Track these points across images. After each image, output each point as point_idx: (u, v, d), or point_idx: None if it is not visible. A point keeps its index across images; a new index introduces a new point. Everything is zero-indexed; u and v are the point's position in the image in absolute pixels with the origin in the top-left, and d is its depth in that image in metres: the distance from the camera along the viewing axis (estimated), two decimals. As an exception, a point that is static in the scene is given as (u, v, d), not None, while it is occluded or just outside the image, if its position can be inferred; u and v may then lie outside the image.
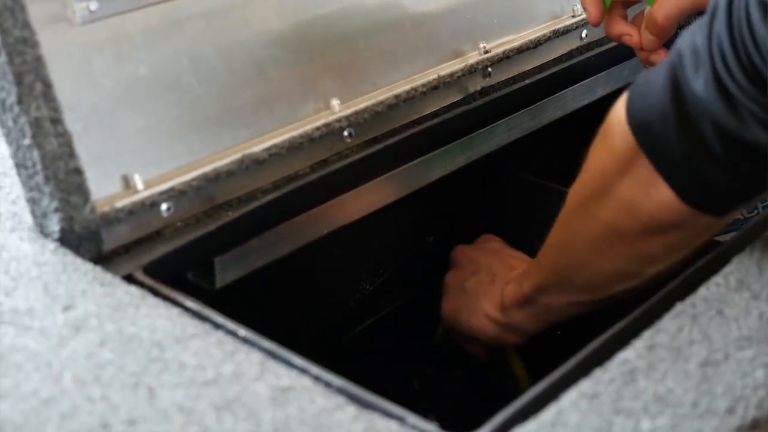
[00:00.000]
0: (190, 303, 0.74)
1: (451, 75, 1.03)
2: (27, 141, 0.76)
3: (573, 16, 1.16)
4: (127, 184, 0.81)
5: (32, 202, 0.78)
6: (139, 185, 0.82)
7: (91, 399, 0.64)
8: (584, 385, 0.66)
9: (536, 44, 1.11)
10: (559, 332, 0.97)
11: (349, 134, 0.95)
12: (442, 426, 0.65)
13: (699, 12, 0.94)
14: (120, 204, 0.80)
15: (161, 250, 0.82)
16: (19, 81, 0.75)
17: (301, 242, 0.91)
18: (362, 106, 0.96)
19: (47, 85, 0.76)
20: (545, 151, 1.19)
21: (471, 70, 1.05)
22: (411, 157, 1.00)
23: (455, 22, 1.06)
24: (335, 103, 0.95)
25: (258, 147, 0.89)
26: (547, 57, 1.14)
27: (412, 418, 0.65)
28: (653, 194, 0.75)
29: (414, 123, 1.01)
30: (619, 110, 0.76)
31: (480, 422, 0.65)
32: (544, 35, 1.12)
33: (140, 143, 0.83)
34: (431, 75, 1.02)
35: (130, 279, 0.77)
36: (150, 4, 0.83)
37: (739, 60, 0.67)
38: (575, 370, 0.68)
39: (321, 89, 0.95)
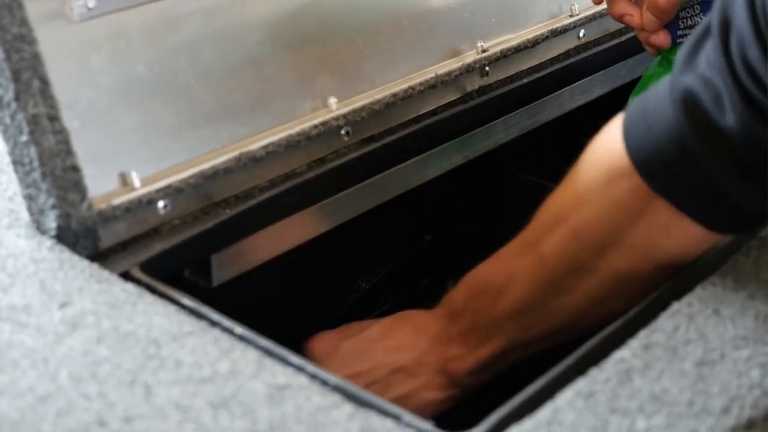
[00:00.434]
0: (186, 300, 0.74)
1: (449, 74, 1.03)
2: (24, 138, 0.76)
3: (571, 16, 1.16)
4: (124, 181, 0.81)
5: (29, 198, 0.78)
6: (136, 183, 0.82)
7: (88, 396, 0.64)
8: (580, 384, 0.66)
9: (534, 43, 1.11)
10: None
11: (347, 132, 0.95)
12: (438, 425, 0.66)
13: None
14: (117, 201, 0.80)
15: (158, 247, 0.82)
16: (16, 78, 0.75)
17: (298, 240, 0.91)
18: (360, 104, 0.96)
19: (45, 82, 0.76)
20: (543, 151, 1.19)
21: (469, 69, 1.05)
22: (408, 155, 1.00)
23: (453, 21, 1.06)
24: (333, 101, 0.95)
25: (255, 145, 0.89)
26: (544, 56, 1.14)
27: (408, 417, 0.65)
28: (675, 234, 0.73)
29: (411, 122, 1.01)
30: (610, 161, 0.73)
31: (476, 421, 0.65)
32: (541, 34, 1.12)
33: (137, 141, 0.83)
34: (429, 74, 1.02)
35: (126, 276, 0.77)
36: (148, 2, 0.83)
37: None
38: (571, 369, 0.68)
39: (318, 87, 0.95)
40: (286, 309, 1.02)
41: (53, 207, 0.77)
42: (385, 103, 0.98)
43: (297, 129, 0.92)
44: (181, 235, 0.83)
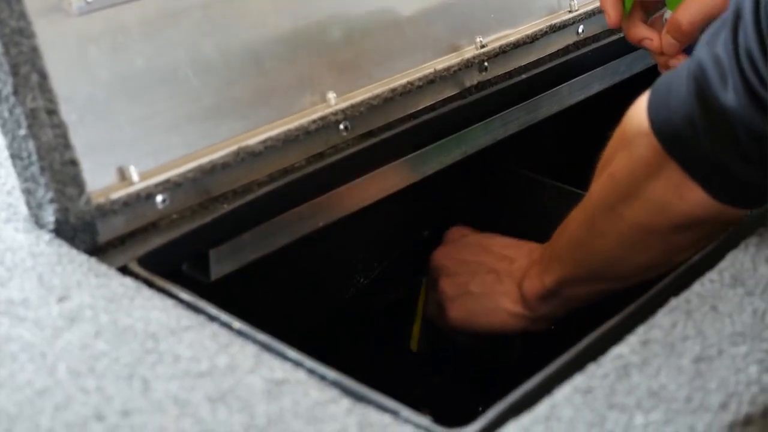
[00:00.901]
0: (184, 295, 0.74)
1: (448, 69, 1.03)
2: (22, 132, 0.76)
3: (570, 11, 1.16)
4: (123, 175, 0.81)
5: (27, 193, 0.78)
6: (135, 177, 0.82)
7: (86, 390, 0.64)
8: (578, 380, 0.66)
9: (533, 39, 1.11)
10: (553, 327, 0.97)
11: (345, 127, 0.95)
12: (436, 420, 0.66)
13: None
14: (115, 195, 0.80)
15: (156, 241, 0.82)
16: (15, 72, 0.75)
17: (296, 235, 0.91)
18: (358, 99, 0.96)
19: (43, 76, 0.76)
20: (541, 146, 1.19)
21: (467, 65, 1.05)
22: (407, 150, 1.00)
23: (452, 17, 1.06)
24: (331, 96, 0.95)
25: (254, 139, 0.89)
26: (543, 52, 1.14)
27: (406, 412, 0.65)
28: (685, 195, 0.77)
29: (410, 117, 1.01)
30: (639, 120, 0.77)
31: (474, 416, 0.65)
32: (540, 30, 1.12)
33: (136, 135, 0.83)
34: (427, 69, 1.02)
35: (125, 270, 0.77)
36: (146, -4, 0.83)
37: None
38: (569, 365, 0.68)
39: (317, 82, 0.95)
40: (284, 304, 1.02)
41: (51, 201, 0.77)
42: (384, 98, 0.98)
43: (295, 124, 0.92)
44: (180, 230, 0.83)
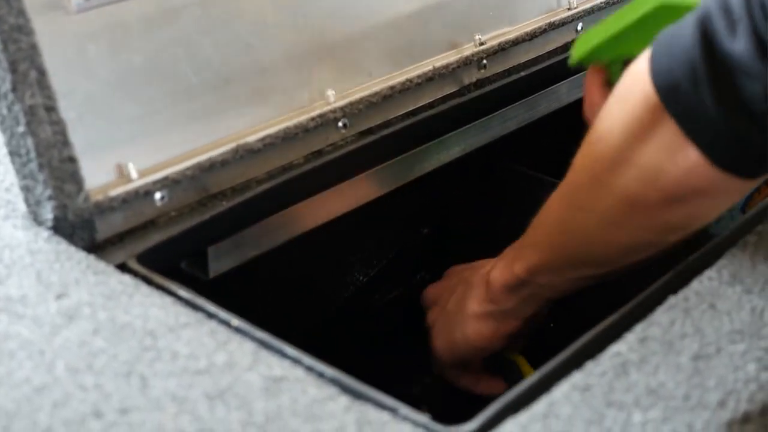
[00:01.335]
0: (183, 292, 0.74)
1: (447, 66, 1.03)
2: (21, 128, 0.76)
3: (569, 9, 1.16)
4: (121, 172, 0.81)
5: (26, 189, 0.78)
6: (133, 174, 0.82)
7: (84, 387, 0.64)
8: (576, 378, 0.66)
9: (532, 36, 1.11)
10: (551, 324, 0.97)
11: (344, 125, 0.95)
12: (434, 417, 0.66)
13: None
14: (114, 193, 0.80)
15: (155, 239, 0.82)
16: (13, 69, 0.75)
17: (294, 232, 0.91)
18: (357, 96, 0.96)
19: (42, 73, 0.76)
20: (540, 144, 1.19)
21: (466, 62, 1.05)
22: (406, 148, 1.00)
23: (451, 14, 1.05)
24: (330, 93, 0.95)
25: (253, 137, 0.89)
26: (542, 49, 1.14)
27: (405, 409, 0.65)
28: (680, 159, 0.71)
29: (409, 114, 1.01)
30: (639, 70, 0.72)
31: (472, 414, 0.65)
32: (539, 27, 1.12)
33: (135, 132, 0.83)
34: (426, 66, 1.02)
35: (123, 268, 0.77)
36: (145, -7, 0.83)
37: None
38: (567, 363, 0.68)
39: (316, 79, 0.94)
40: (282, 301, 1.02)
41: (50, 198, 0.77)
42: (383, 96, 0.98)
43: (294, 121, 0.92)
44: (178, 227, 0.83)
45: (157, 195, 0.83)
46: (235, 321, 0.71)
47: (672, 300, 0.73)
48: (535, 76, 1.11)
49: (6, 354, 0.67)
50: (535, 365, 0.69)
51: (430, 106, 1.03)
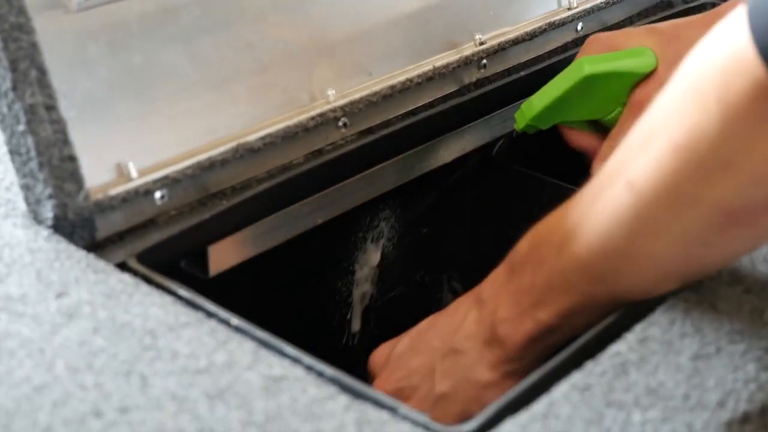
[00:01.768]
0: (183, 291, 0.74)
1: (447, 66, 1.03)
2: (21, 127, 0.76)
3: (569, 9, 1.16)
4: (121, 171, 0.81)
5: (26, 188, 0.78)
6: (133, 173, 0.82)
7: (84, 386, 0.64)
8: (576, 378, 0.66)
9: (532, 36, 1.11)
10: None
11: (344, 124, 0.95)
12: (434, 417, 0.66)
13: None
14: (114, 192, 0.80)
15: (155, 238, 0.82)
16: (14, 67, 0.74)
17: (295, 232, 0.91)
18: (357, 96, 0.96)
19: (42, 72, 0.76)
20: (540, 144, 1.19)
21: (466, 62, 1.05)
22: (406, 147, 1.00)
23: (451, 14, 1.05)
24: (330, 92, 0.95)
25: (253, 136, 0.89)
26: (542, 49, 1.14)
27: (404, 409, 0.65)
28: None
29: (409, 114, 1.01)
30: (735, 52, 0.55)
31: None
32: (539, 27, 1.12)
33: (135, 131, 0.83)
34: (426, 66, 1.02)
35: (123, 267, 0.77)
36: (146, -8, 0.83)
37: None
38: (567, 363, 0.68)
39: (316, 79, 0.94)
40: (282, 300, 1.02)
41: (50, 197, 0.77)
42: (383, 95, 0.98)
43: (294, 120, 0.91)
44: (178, 226, 0.83)
45: (157, 194, 0.83)
46: (235, 320, 0.71)
47: (672, 300, 0.73)
48: (535, 76, 1.11)
49: (6, 353, 0.67)
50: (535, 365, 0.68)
51: (430, 105, 1.03)
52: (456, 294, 1.12)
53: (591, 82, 0.98)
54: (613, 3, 1.21)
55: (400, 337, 0.82)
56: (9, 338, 0.68)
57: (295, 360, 0.68)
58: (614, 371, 0.67)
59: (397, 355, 0.79)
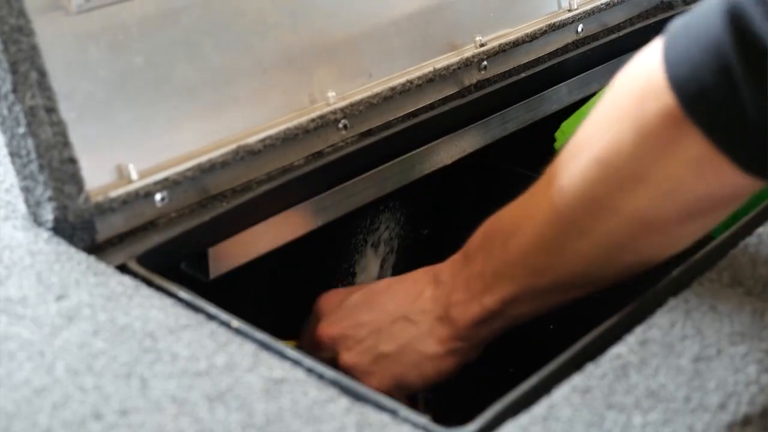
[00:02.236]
0: (183, 294, 0.74)
1: (447, 68, 1.03)
2: (21, 129, 0.76)
3: (569, 10, 1.16)
4: (122, 173, 0.81)
5: (26, 190, 0.78)
6: (134, 175, 0.81)
7: (84, 388, 0.64)
8: (576, 380, 0.66)
9: (532, 38, 1.11)
10: (551, 327, 0.97)
11: (344, 126, 0.95)
12: (434, 419, 0.66)
13: None
14: (114, 194, 0.80)
15: (155, 240, 0.82)
16: (14, 69, 0.74)
17: (295, 234, 0.91)
18: (358, 98, 0.96)
19: (42, 74, 0.76)
20: (540, 145, 1.19)
21: (467, 63, 1.05)
22: (406, 149, 0.99)
23: (451, 15, 1.05)
24: (331, 94, 0.95)
25: (253, 138, 0.89)
26: (542, 51, 1.14)
27: (404, 411, 0.65)
28: (707, 174, 0.63)
29: (409, 115, 1.01)
30: (651, 78, 0.63)
31: (472, 416, 0.65)
32: (540, 29, 1.12)
33: (135, 133, 0.83)
34: (427, 68, 1.02)
35: (123, 269, 0.77)
36: (146, -6, 0.83)
37: None
38: (567, 365, 0.68)
39: (317, 81, 0.94)
40: (282, 302, 1.02)
41: (50, 199, 0.77)
42: (383, 97, 0.98)
43: (295, 122, 0.91)
44: (178, 228, 0.83)
45: (158, 196, 0.83)
46: (236, 322, 0.71)
47: (672, 302, 0.73)
48: (536, 78, 1.11)
49: (6, 355, 0.67)
50: (536, 367, 0.68)
51: (431, 107, 1.03)
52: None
53: None
54: (614, 5, 1.21)
55: (353, 289, 0.88)
56: (9, 340, 0.68)
57: (296, 362, 0.68)
58: (615, 373, 0.67)
59: (349, 306, 0.85)
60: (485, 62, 1.07)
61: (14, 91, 0.75)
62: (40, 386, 0.64)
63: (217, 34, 0.88)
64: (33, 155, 0.76)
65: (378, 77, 0.99)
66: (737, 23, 0.59)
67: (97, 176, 0.80)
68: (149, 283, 0.75)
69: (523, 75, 1.10)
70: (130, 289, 0.74)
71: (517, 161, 1.16)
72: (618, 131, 0.66)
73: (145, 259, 0.79)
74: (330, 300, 0.88)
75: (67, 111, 0.78)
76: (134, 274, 0.77)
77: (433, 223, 1.18)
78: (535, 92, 1.11)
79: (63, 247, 0.77)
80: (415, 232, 1.17)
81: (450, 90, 1.05)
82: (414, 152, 1.00)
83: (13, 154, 0.78)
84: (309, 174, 0.91)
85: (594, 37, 1.19)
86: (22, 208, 0.80)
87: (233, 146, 0.87)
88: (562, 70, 1.14)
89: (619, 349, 0.69)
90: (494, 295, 0.77)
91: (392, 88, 0.99)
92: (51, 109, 0.76)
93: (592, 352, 0.69)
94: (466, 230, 1.09)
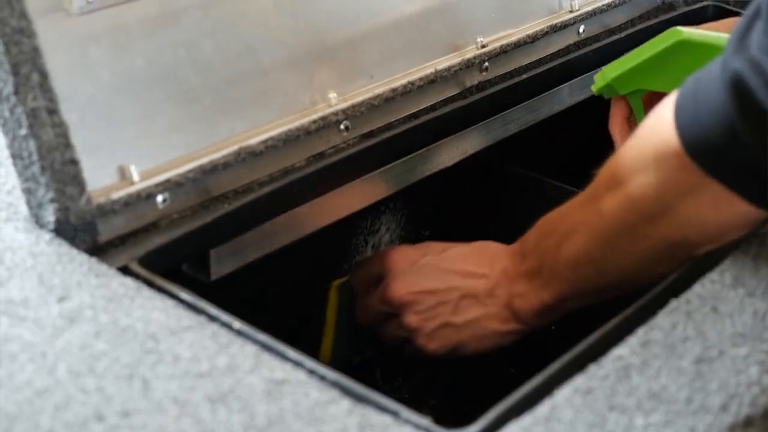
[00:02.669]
0: (185, 295, 0.74)
1: (448, 69, 1.03)
2: (23, 131, 0.76)
3: (571, 11, 1.16)
4: (123, 175, 0.81)
5: (28, 192, 0.78)
6: (135, 176, 0.82)
7: (86, 390, 0.64)
8: (578, 381, 0.66)
9: (533, 39, 1.11)
10: (553, 327, 0.97)
11: (346, 127, 0.95)
12: (436, 421, 0.65)
13: None
14: (116, 195, 0.80)
15: (157, 241, 0.82)
16: (15, 71, 0.75)
17: (296, 235, 0.91)
18: (359, 99, 0.96)
19: (44, 76, 0.76)
20: (542, 146, 1.19)
21: (468, 65, 1.05)
22: (407, 150, 0.99)
23: (453, 16, 1.05)
24: (332, 96, 0.95)
25: (255, 139, 0.89)
26: (544, 52, 1.14)
27: (406, 413, 0.65)
28: (724, 209, 0.74)
29: (411, 117, 1.01)
30: (663, 139, 0.74)
31: (474, 417, 0.65)
32: (541, 30, 1.12)
33: (136, 134, 0.83)
34: (428, 69, 1.02)
35: (125, 270, 0.77)
36: (147, -5, 0.83)
37: None
38: (570, 366, 0.68)
39: (318, 82, 0.94)
40: (284, 304, 1.02)
41: (52, 201, 0.77)
42: (385, 98, 0.98)
43: (296, 124, 0.91)
44: (180, 230, 0.83)
45: (159, 197, 0.83)
46: (237, 324, 0.71)
47: (674, 303, 0.73)
48: (537, 79, 1.11)
49: (7, 356, 0.67)
50: (538, 368, 0.68)
51: (432, 108, 1.03)
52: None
53: (683, 49, 0.97)
54: (615, 5, 1.21)
55: (427, 248, 0.96)
56: (11, 342, 0.68)
57: (297, 363, 0.68)
58: (617, 375, 0.67)
59: (421, 270, 0.93)
60: (487, 63, 1.07)
61: (16, 92, 0.75)
62: (42, 387, 0.64)
63: (219, 35, 0.88)
64: (35, 157, 0.76)
65: (379, 78, 0.99)
66: (741, 93, 0.68)
67: (99, 178, 0.80)
68: (151, 285, 0.75)
69: (524, 76, 1.10)
70: (131, 290, 0.74)
71: (518, 162, 1.16)
72: (645, 179, 0.77)
73: (146, 261, 0.79)
74: (401, 258, 0.94)
75: (68, 112, 0.78)
76: (136, 276, 0.77)
77: (433, 224, 1.18)
78: (536, 93, 1.11)
79: (65, 249, 0.77)
80: (416, 233, 1.17)
81: (451, 91, 1.05)
82: (415, 153, 1.00)
83: (15, 156, 0.78)
84: (310, 175, 0.91)
85: (595, 38, 1.19)
86: (23, 209, 0.80)
87: (235, 147, 0.87)
88: (563, 71, 1.14)
89: (620, 351, 0.69)
90: (549, 291, 0.87)
91: (393, 90, 0.99)
92: (53, 111, 0.76)
93: (594, 354, 0.69)
94: (466, 231, 1.10)
